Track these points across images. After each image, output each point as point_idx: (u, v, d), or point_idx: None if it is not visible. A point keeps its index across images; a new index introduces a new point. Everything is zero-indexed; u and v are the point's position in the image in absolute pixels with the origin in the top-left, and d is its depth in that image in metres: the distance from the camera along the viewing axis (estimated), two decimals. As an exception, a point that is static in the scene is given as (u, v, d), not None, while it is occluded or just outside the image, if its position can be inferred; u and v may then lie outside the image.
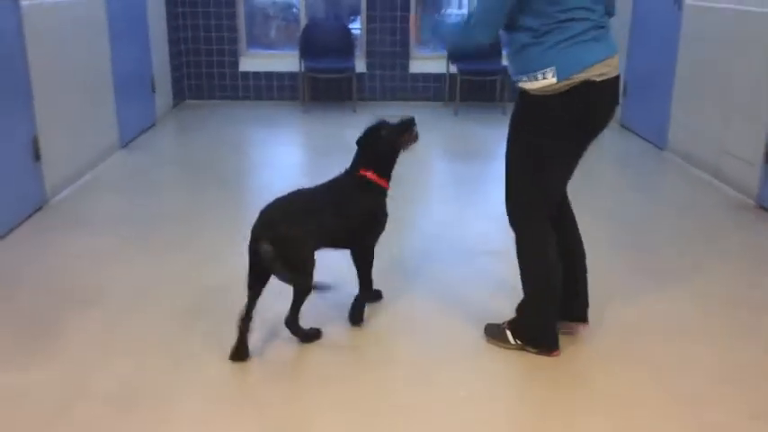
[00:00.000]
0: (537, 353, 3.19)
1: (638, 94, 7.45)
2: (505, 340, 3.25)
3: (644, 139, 7.21)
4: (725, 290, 3.89)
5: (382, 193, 3.40)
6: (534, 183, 3.00)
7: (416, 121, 3.39)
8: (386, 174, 3.41)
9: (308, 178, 6.06)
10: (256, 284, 3.11)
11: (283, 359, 3.15)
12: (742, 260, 4.30)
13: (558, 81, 2.76)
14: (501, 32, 2.92)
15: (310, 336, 3.32)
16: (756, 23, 5.26)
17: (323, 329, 3.36)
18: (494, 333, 3.30)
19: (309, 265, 3.10)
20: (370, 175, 3.34)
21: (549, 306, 3.15)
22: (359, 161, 3.39)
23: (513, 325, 3.25)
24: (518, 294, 3.23)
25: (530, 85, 2.85)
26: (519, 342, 3.22)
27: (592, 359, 3.20)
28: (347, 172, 3.40)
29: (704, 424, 2.74)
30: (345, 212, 3.30)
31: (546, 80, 2.77)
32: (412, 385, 3.00)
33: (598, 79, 2.78)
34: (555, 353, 3.18)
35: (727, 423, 2.75)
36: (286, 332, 3.27)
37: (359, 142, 3.40)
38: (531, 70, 2.81)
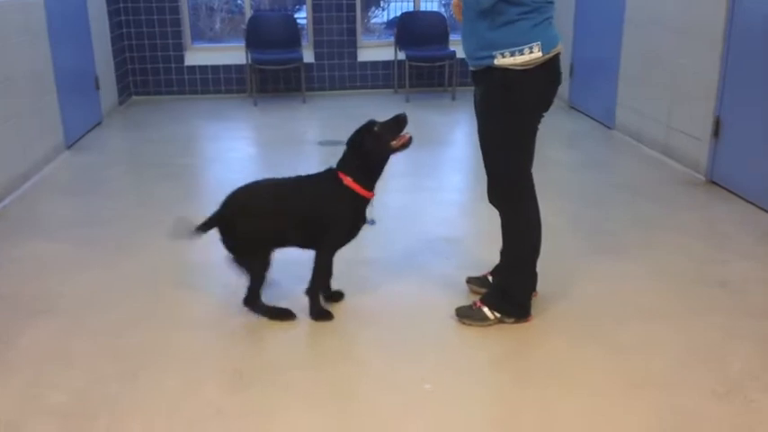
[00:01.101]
0: (514, 322, 3.30)
1: (585, 75, 7.50)
2: (483, 318, 3.29)
3: (592, 118, 7.27)
4: (682, 267, 3.93)
5: (355, 200, 3.28)
6: (519, 157, 3.14)
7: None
8: (369, 181, 3.30)
9: (260, 172, 5.99)
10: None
11: (239, 364, 3.08)
12: (696, 236, 4.35)
13: (543, 55, 2.95)
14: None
15: (275, 313, 3.36)
16: (700, 3, 5.30)
17: (278, 324, 3.34)
18: (468, 314, 3.33)
19: (250, 253, 3.30)
20: (347, 180, 3.26)
21: (532, 274, 3.31)
22: (344, 161, 3.31)
23: (489, 300, 3.31)
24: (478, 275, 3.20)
25: (511, 60, 2.95)
26: (498, 315, 3.28)
27: (557, 344, 3.20)
28: (328, 170, 3.34)
29: (672, 406, 2.75)
30: (306, 211, 3.29)
31: (533, 54, 2.94)
32: (375, 381, 2.96)
33: (562, 52, 3.07)
34: (530, 318, 3.33)
35: (693, 404, 2.77)
36: (244, 338, 3.27)
37: (350, 141, 3.30)
38: (519, 44, 2.94)
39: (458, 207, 5.11)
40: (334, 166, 3.34)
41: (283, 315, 3.40)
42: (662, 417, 2.69)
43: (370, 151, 3.26)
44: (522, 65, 2.95)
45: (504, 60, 2.95)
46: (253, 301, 3.40)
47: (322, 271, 3.41)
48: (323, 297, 3.52)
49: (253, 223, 3.28)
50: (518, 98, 3.03)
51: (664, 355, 3.10)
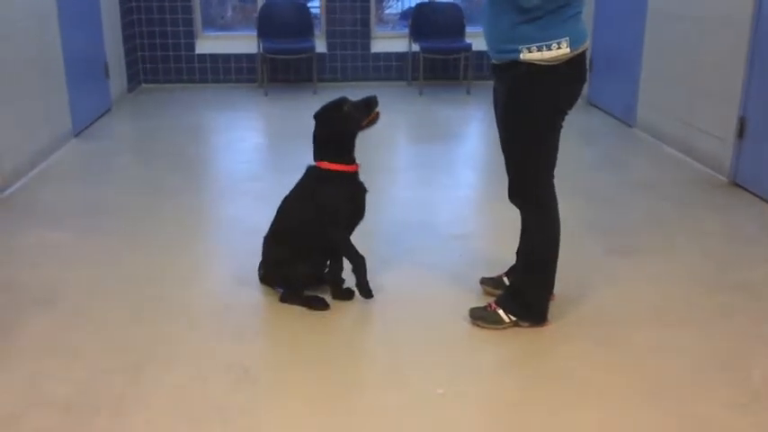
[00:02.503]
0: (530, 326, 3.20)
1: (606, 71, 7.37)
2: (497, 320, 3.19)
3: (612, 116, 7.14)
4: (702, 270, 3.82)
5: (343, 178, 3.31)
6: (542, 156, 3.06)
7: (381, 102, 3.30)
8: (346, 156, 3.32)
9: (269, 163, 5.93)
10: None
11: (244, 360, 3.00)
12: (717, 238, 4.24)
13: (571, 51, 2.85)
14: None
15: (312, 302, 3.40)
16: (725, -4, 5.19)
17: (287, 325, 3.26)
18: (482, 316, 3.23)
19: (291, 278, 3.40)
20: (326, 165, 3.30)
21: (551, 277, 3.20)
22: (316, 148, 3.34)
23: (504, 302, 3.22)
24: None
25: (538, 55, 2.84)
26: (513, 318, 3.19)
27: (573, 348, 3.10)
28: (308, 168, 3.38)
29: (690, 416, 2.66)
30: (312, 212, 3.33)
31: (560, 50, 2.83)
32: (385, 383, 2.87)
33: (588, 49, 3.00)
34: (547, 324, 3.22)
35: (712, 414, 2.67)
36: (249, 334, 3.22)
37: (317, 116, 3.31)
38: (546, 39, 2.83)
39: (472, 204, 5.01)
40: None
41: (318, 304, 3.40)
42: (679, 427, 2.59)
43: (336, 129, 3.29)
44: (548, 60, 2.84)
45: (530, 55, 2.84)
46: (290, 299, 3.43)
47: (350, 250, 3.37)
48: (331, 294, 3.48)
49: (280, 245, 3.42)
50: (543, 95, 2.92)
51: (682, 361, 3.00)
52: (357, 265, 3.37)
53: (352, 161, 3.33)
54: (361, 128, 3.29)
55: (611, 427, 2.61)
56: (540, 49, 2.83)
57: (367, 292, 3.40)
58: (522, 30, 2.83)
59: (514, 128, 3.02)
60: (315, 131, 3.33)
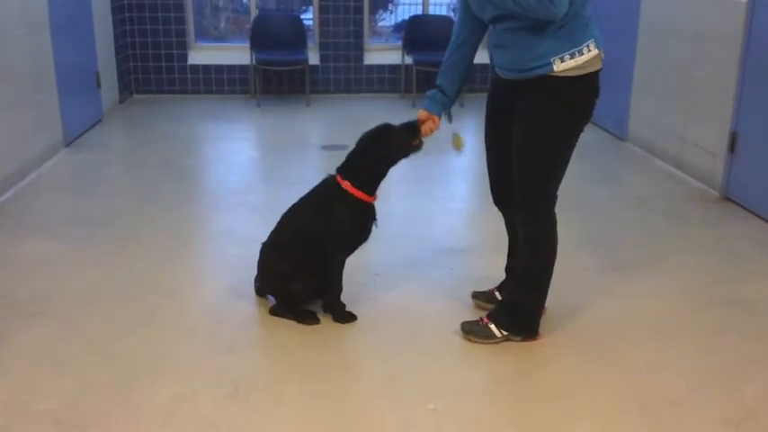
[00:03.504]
0: (522, 340, 3.19)
1: (597, 85, 7.38)
2: (489, 335, 3.17)
3: (604, 129, 7.15)
4: (695, 286, 3.81)
5: (356, 204, 3.25)
6: (559, 170, 3.05)
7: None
8: (371, 186, 3.27)
9: (262, 176, 5.91)
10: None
11: (235, 375, 2.97)
12: (710, 253, 4.24)
13: (599, 52, 2.85)
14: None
15: (302, 315, 3.35)
16: (717, 12, 5.20)
17: (276, 337, 3.23)
18: (474, 330, 3.21)
19: (289, 294, 3.36)
20: (346, 185, 3.24)
21: (545, 293, 3.18)
22: (347, 164, 3.28)
23: (496, 317, 3.19)
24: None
25: (572, 62, 2.83)
26: (505, 333, 3.17)
27: (566, 364, 3.09)
28: (326, 178, 3.34)
29: None
30: (317, 226, 3.29)
31: (591, 52, 2.83)
32: (376, 398, 2.85)
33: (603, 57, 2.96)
34: (539, 338, 3.20)
35: (704, 431, 2.65)
36: (241, 347, 3.18)
37: (363, 140, 3.25)
38: (577, 44, 2.83)
39: (465, 217, 5.00)
40: (334, 171, 3.31)
41: (309, 318, 3.37)
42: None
43: (381, 155, 3.23)
44: (582, 66, 2.83)
45: (563, 65, 2.81)
46: (281, 311, 3.40)
47: (336, 276, 3.34)
48: (323, 308, 3.45)
49: (278, 258, 3.36)
50: (570, 108, 2.92)
51: (675, 377, 2.98)
52: (334, 290, 3.36)
53: (373, 193, 3.28)
54: (403, 156, 3.26)
55: (604, 443, 2.59)
56: (572, 56, 2.81)
57: (343, 317, 3.38)
58: (550, 43, 2.81)
59: (537, 142, 2.97)
60: (357, 148, 3.27)
